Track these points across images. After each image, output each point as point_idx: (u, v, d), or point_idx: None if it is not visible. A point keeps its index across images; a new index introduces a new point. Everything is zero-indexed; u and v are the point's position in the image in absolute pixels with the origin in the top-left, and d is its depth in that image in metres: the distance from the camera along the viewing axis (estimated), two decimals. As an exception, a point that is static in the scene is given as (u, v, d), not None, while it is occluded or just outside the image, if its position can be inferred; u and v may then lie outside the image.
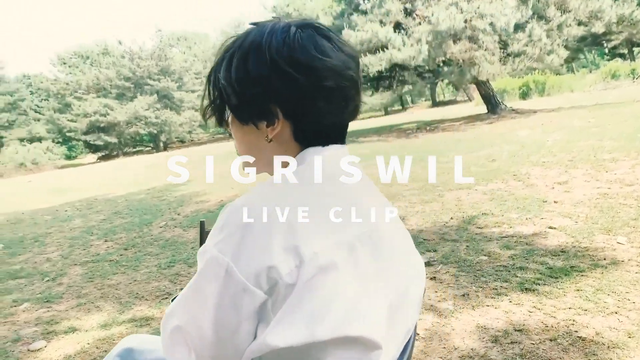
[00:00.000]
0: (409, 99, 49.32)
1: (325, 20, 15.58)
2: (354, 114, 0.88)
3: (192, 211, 6.63)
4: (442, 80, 20.07)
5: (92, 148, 35.00)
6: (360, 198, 0.83)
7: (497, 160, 7.16)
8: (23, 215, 8.32)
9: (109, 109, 32.60)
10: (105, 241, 5.54)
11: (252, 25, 0.88)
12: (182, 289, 2.12)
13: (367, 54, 13.01)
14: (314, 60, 0.77)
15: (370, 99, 36.78)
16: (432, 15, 12.21)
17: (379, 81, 19.15)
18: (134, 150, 36.64)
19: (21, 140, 33.71)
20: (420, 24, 12.90)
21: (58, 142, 34.91)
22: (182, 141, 38.11)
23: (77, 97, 33.12)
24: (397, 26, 13.62)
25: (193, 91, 36.83)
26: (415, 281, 0.90)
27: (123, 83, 34.05)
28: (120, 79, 34.09)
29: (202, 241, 1.53)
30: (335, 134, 0.86)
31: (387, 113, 41.28)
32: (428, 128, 15.39)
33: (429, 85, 35.45)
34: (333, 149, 0.84)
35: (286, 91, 0.78)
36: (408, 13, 13.57)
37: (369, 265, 0.77)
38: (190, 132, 37.03)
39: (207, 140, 39.34)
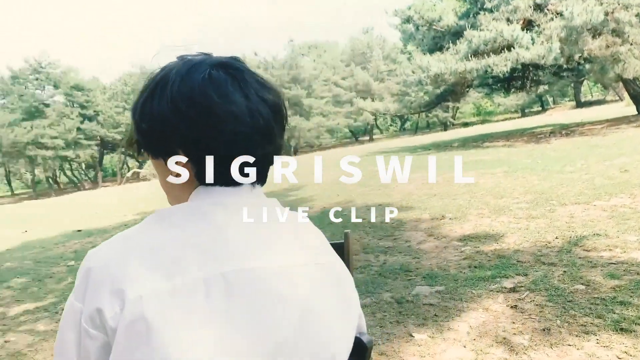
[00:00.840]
0: (550, 99, 45.52)
1: (450, 20, 15.04)
2: (265, 159, 0.81)
3: (295, 217, 6.80)
4: (587, 79, 18.17)
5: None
6: (234, 242, 0.75)
7: (629, 171, 6.25)
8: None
9: (244, 116, 35.11)
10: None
11: (176, 59, 0.85)
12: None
13: (491, 54, 12.25)
14: (214, 105, 0.74)
15: (503, 100, 34.69)
16: (566, 9, 11.07)
17: (509, 82, 17.96)
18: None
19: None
20: (552, 19, 11.79)
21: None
22: (310, 146, 39.57)
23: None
24: (528, 23, 12.64)
25: (322, 97, 38.07)
26: (329, 348, 0.79)
27: (258, 92, 36.37)
28: (255, 88, 36.47)
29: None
30: (242, 176, 0.80)
31: (523, 115, 38.60)
32: (564, 132, 14.04)
33: (571, 85, 32.38)
34: (228, 192, 0.79)
35: (186, 132, 0.75)
36: (539, 8, 12.49)
37: (220, 315, 0.69)
38: (318, 137, 38.29)
39: (334, 145, 40.35)
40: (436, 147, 15.56)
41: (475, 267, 3.75)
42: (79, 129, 35.37)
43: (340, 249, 1.72)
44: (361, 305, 3.68)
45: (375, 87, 38.25)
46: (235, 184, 0.78)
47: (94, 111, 36.40)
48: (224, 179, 0.77)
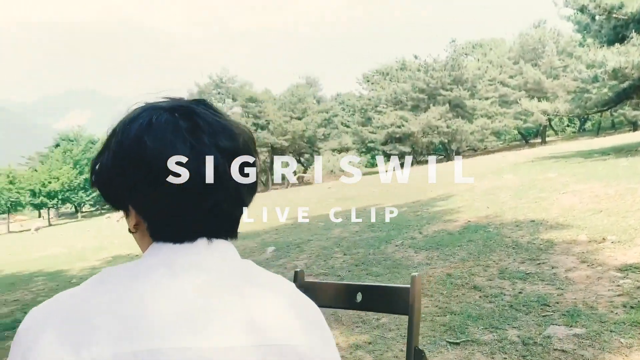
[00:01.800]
0: None
1: (635, 6, 12.92)
2: (221, 211, 0.73)
3: (435, 231, 6.49)
4: None
5: (389, 157, 38.17)
6: (160, 314, 0.65)
7: None
8: (301, 220, 9.66)
9: (404, 120, 34.98)
10: (344, 254, 5.96)
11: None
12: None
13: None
14: (148, 154, 0.69)
15: None
16: None
17: None
18: (425, 159, 38.16)
19: (332, 150, 39.41)
20: None
21: (362, 152, 39.37)
22: (474, 149, 37.70)
23: (377, 111, 36.74)
24: None
25: (486, 98, 36.06)
26: None
27: (417, 95, 35.91)
28: (415, 91, 36.06)
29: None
30: (194, 231, 0.73)
31: None
32: None
33: None
34: (177, 250, 0.71)
35: (126, 185, 0.72)
36: None
37: None
38: (482, 141, 36.34)
39: (501, 149, 37.81)
40: (617, 152, 13.53)
41: (632, 307, 3.12)
42: (252, 137, 39.03)
43: (405, 295, 1.53)
44: (480, 341, 3.33)
45: (548, 85, 34.84)
46: (189, 239, 0.71)
47: (266, 120, 39.64)
48: (174, 234, 0.71)
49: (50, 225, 36.91)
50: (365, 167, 39.47)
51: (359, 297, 1.50)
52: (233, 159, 0.71)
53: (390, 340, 3.25)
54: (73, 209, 46.24)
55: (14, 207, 37.73)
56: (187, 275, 0.68)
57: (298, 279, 1.81)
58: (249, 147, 0.75)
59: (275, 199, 21.60)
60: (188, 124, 0.70)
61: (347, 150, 38.66)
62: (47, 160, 42.15)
